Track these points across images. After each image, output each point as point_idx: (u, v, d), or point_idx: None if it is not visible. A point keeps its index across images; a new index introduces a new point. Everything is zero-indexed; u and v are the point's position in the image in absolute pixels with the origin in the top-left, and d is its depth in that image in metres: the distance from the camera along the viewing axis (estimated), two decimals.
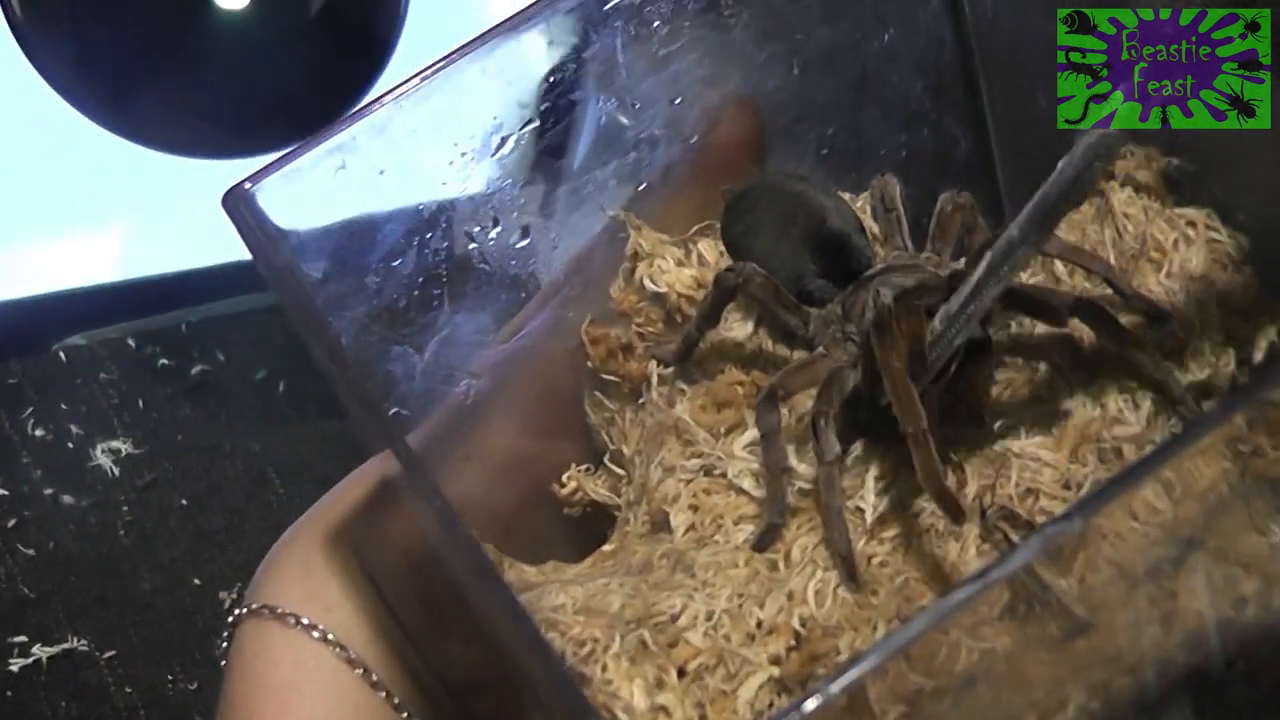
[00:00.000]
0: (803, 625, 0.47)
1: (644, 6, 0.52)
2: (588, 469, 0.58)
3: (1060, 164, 0.42)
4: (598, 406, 0.58)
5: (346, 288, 0.52)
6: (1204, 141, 0.52)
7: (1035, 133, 0.56)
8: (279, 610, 0.56)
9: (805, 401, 0.51)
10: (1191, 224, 0.53)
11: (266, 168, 0.49)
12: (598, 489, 0.57)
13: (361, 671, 0.55)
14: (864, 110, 0.59)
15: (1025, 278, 0.54)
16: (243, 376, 0.89)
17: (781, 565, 0.49)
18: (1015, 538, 0.47)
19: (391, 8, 0.83)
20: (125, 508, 0.85)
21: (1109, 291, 0.52)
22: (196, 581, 0.84)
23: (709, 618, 0.48)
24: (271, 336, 0.89)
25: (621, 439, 0.57)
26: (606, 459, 0.57)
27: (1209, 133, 0.51)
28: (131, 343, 0.88)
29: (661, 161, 0.56)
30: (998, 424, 0.51)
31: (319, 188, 0.50)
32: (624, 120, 0.55)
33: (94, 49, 0.82)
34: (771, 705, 0.46)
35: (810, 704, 0.37)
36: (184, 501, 0.85)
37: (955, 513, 0.46)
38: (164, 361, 0.88)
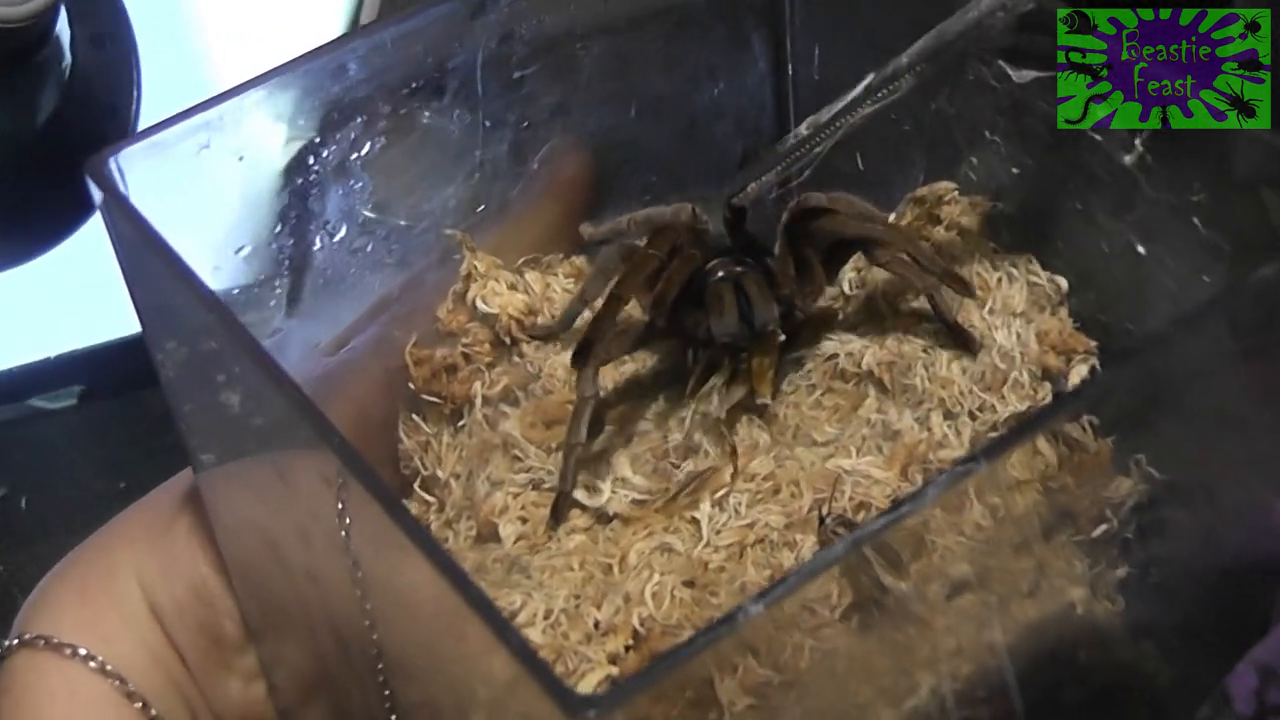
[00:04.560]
0: (642, 625, 0.48)
1: (509, 24, 0.54)
2: None
3: (966, 5, 0.44)
4: (414, 430, 0.57)
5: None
6: (1025, 191, 0.55)
7: None
8: (54, 640, 0.54)
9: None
10: (1014, 265, 0.55)
11: (134, 136, 0.48)
12: None
13: (141, 705, 0.54)
14: (686, 164, 0.61)
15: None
16: None
17: (616, 569, 0.50)
18: None
19: (121, 117, 0.82)
20: None
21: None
22: None
23: (547, 616, 0.48)
24: (10, 452, 0.84)
25: (436, 463, 0.57)
26: (417, 485, 0.57)
27: (1033, 183, 0.54)
28: None
29: (503, 185, 0.57)
30: (829, 444, 0.53)
31: (180, 165, 0.49)
32: (472, 138, 0.55)
33: None
34: None
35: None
36: None
37: None
38: None
